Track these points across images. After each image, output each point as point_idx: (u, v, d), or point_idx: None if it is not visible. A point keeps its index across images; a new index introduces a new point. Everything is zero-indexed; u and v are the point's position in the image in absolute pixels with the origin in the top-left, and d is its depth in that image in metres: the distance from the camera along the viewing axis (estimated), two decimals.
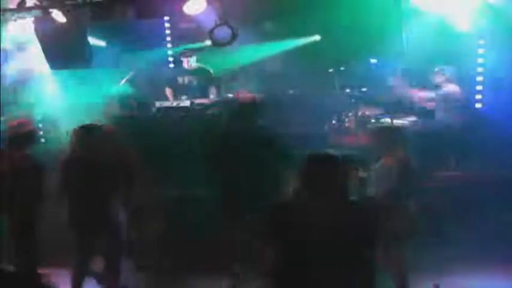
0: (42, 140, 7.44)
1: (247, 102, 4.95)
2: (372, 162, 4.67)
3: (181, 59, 7.97)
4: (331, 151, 3.31)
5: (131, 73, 7.95)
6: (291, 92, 8.15)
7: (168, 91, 8.03)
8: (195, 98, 7.59)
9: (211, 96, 7.78)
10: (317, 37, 8.20)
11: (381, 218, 3.80)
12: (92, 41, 6.92)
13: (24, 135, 5.24)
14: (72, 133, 4.93)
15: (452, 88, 6.99)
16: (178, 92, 7.94)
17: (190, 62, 7.86)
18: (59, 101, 7.81)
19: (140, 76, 8.15)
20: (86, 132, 4.88)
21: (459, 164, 6.67)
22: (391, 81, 7.27)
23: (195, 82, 7.92)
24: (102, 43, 7.93)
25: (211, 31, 6.44)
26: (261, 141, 4.72)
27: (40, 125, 7.51)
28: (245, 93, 5.05)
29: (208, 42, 6.97)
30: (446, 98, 6.96)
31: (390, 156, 4.54)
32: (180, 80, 8.01)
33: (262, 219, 3.29)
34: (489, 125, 6.90)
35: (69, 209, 4.88)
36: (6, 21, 6.52)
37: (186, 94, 7.79)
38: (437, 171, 6.49)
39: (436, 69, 7.07)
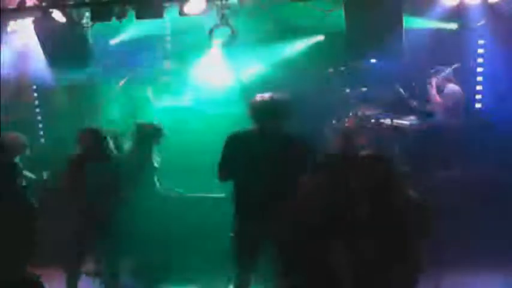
0: None
1: (275, 102, 4.49)
2: None
3: None
4: None
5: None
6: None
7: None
8: None
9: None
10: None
11: None
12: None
13: None
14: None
15: (452, 88, 7.01)
16: None
17: None
18: None
19: None
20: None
21: (458, 164, 6.66)
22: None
23: None
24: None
25: (211, 31, 6.44)
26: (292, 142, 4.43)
27: None
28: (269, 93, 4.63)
29: None
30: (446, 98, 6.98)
31: None
32: None
33: None
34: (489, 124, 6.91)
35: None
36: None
37: None
38: (437, 171, 6.49)
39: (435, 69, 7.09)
